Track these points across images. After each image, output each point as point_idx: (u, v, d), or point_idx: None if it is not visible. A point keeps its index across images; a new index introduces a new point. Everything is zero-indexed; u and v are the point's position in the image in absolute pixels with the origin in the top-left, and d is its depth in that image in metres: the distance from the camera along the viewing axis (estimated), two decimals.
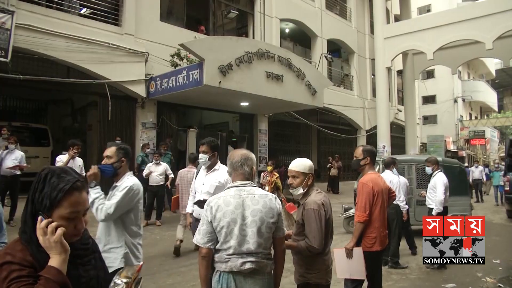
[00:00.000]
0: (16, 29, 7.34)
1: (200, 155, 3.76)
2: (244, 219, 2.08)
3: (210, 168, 3.77)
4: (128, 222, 2.64)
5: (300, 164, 2.68)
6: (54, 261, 1.17)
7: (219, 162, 3.81)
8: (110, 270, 2.41)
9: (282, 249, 2.30)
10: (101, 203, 2.58)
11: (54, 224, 1.18)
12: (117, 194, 2.58)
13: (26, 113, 13.72)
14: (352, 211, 7.99)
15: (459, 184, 7.26)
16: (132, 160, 9.48)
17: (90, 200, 2.57)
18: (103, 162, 2.70)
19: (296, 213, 3.00)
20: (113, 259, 2.54)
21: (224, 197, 2.13)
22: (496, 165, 15.31)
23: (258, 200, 2.14)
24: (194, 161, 6.37)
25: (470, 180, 14.25)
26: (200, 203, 3.29)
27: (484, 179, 15.22)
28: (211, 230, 2.10)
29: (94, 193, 2.59)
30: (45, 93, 12.09)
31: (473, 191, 14.44)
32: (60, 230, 1.17)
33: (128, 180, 2.67)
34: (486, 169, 15.99)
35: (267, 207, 2.13)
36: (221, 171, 3.69)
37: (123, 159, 2.69)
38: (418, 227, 6.11)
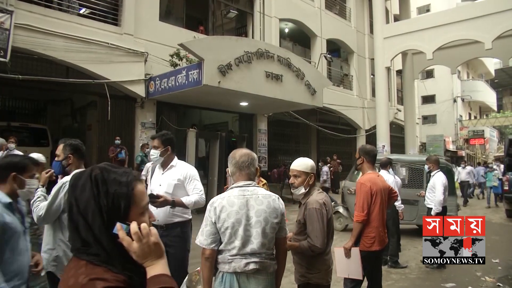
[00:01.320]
0: (15, 29, 7.33)
1: (151, 151, 3.28)
2: (249, 219, 2.07)
3: (165, 165, 3.26)
4: (64, 222, 2.54)
5: (302, 164, 2.67)
6: (159, 267, 0.97)
7: (175, 158, 3.31)
8: (42, 274, 2.40)
9: (284, 249, 2.30)
10: (36, 205, 2.54)
11: (144, 224, 0.98)
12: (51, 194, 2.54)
13: (26, 113, 13.71)
14: (338, 208, 8.07)
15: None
16: (132, 159, 9.48)
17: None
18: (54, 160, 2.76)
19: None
20: (45, 260, 2.50)
21: (228, 198, 2.11)
22: (491, 166, 14.52)
23: (262, 200, 2.12)
24: None
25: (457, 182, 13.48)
26: (152, 197, 2.84)
27: (472, 180, 14.17)
28: (215, 231, 2.07)
29: (37, 194, 2.57)
30: (44, 93, 12.08)
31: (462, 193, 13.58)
32: (154, 229, 0.99)
33: (68, 177, 2.60)
34: (486, 169, 15.70)
35: (271, 208, 2.12)
36: (179, 168, 3.23)
37: (69, 155, 2.68)
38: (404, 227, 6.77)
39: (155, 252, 0.97)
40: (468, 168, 14.36)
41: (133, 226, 0.96)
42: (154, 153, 3.23)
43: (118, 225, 0.96)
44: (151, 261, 0.97)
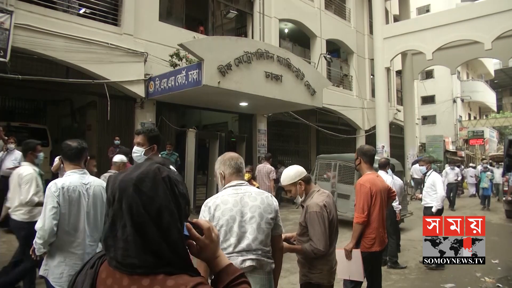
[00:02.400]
0: (15, 29, 7.32)
1: (135, 148, 2.89)
2: (243, 215, 2.09)
3: None
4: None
5: (286, 177, 2.74)
6: (223, 258, 0.98)
7: (159, 156, 2.95)
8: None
9: (280, 247, 2.32)
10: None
11: (205, 220, 1.00)
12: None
13: (25, 113, 13.69)
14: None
15: None
16: (131, 159, 9.47)
17: None
18: None
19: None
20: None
21: (221, 196, 2.14)
22: (485, 166, 13.65)
23: (256, 197, 2.15)
24: (269, 159, 9.10)
25: (445, 183, 12.63)
26: None
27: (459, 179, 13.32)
28: None
29: None
30: (44, 93, 12.07)
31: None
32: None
33: (53, 181, 2.64)
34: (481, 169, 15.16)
35: (265, 203, 2.14)
36: None
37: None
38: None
39: (219, 245, 0.98)
40: (457, 169, 13.38)
41: (205, 222, 0.94)
42: (138, 151, 2.86)
43: (189, 225, 0.91)
44: (217, 254, 0.97)
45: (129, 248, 0.88)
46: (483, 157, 24.90)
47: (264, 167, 8.75)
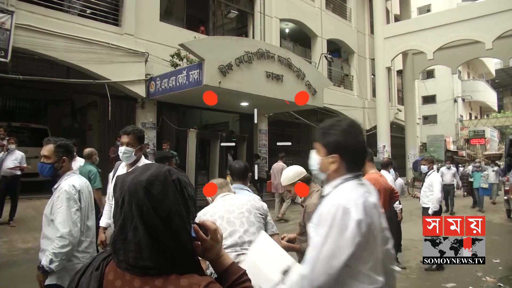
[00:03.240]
0: (16, 29, 7.34)
1: (124, 149, 2.82)
2: (231, 213, 2.17)
3: (132, 165, 2.87)
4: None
5: (286, 178, 2.81)
6: (227, 257, 1.00)
7: (143, 156, 2.97)
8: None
9: None
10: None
11: (210, 220, 1.00)
12: (57, 205, 2.34)
13: (26, 114, 13.72)
14: None
15: None
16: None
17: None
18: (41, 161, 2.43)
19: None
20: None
21: (210, 204, 2.31)
22: (477, 165, 12.91)
23: (241, 197, 2.30)
24: (282, 158, 10.05)
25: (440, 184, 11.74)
26: None
27: (460, 183, 12.30)
28: None
29: None
30: (45, 93, 12.10)
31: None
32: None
33: (65, 182, 2.42)
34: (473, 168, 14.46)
35: (251, 201, 2.27)
36: None
37: (64, 158, 2.42)
38: None
39: (222, 244, 1.00)
40: (453, 169, 11.90)
41: (211, 224, 0.96)
42: (128, 151, 2.82)
43: (196, 227, 0.93)
44: (220, 253, 0.99)
45: (141, 251, 0.88)
46: (475, 157, 24.73)
47: (278, 165, 9.71)
